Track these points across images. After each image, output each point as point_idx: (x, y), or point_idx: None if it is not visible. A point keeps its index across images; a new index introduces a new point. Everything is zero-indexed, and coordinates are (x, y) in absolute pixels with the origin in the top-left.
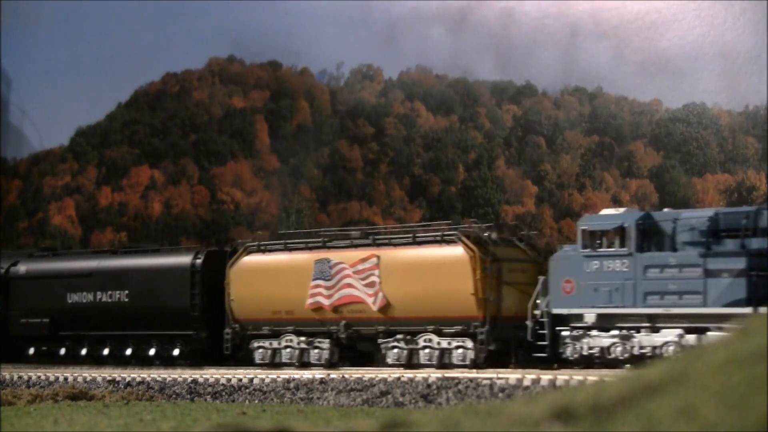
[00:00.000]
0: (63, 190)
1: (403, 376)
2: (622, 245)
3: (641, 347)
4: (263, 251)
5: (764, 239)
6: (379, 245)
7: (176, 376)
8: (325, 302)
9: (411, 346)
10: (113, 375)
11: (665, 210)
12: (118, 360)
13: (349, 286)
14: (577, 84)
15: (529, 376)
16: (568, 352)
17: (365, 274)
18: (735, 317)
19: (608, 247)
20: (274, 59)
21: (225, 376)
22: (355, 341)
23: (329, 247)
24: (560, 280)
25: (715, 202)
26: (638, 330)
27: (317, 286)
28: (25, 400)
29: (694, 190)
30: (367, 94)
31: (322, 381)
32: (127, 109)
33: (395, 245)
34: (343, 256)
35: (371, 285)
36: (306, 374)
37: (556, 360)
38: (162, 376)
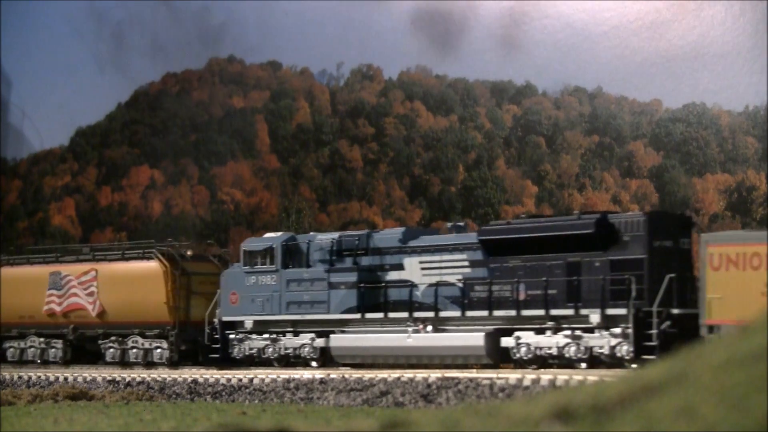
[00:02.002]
0: (63, 190)
1: (403, 376)
2: (272, 263)
3: (286, 348)
4: (12, 264)
5: (372, 257)
6: (97, 260)
7: (176, 376)
8: (57, 309)
9: (123, 346)
10: (113, 375)
11: (311, 233)
12: None
13: (75, 295)
14: (577, 84)
15: (529, 376)
16: (235, 352)
17: (87, 285)
18: (350, 321)
19: (262, 264)
20: (274, 59)
21: (225, 376)
22: (83, 342)
23: (61, 262)
24: (228, 293)
25: (716, 202)
26: (284, 334)
27: (51, 294)
28: (25, 400)
29: (694, 190)
30: (367, 94)
31: (322, 381)
32: (127, 109)
33: (109, 260)
34: (71, 270)
35: (91, 294)
36: (306, 374)
37: (227, 360)
38: (162, 376)
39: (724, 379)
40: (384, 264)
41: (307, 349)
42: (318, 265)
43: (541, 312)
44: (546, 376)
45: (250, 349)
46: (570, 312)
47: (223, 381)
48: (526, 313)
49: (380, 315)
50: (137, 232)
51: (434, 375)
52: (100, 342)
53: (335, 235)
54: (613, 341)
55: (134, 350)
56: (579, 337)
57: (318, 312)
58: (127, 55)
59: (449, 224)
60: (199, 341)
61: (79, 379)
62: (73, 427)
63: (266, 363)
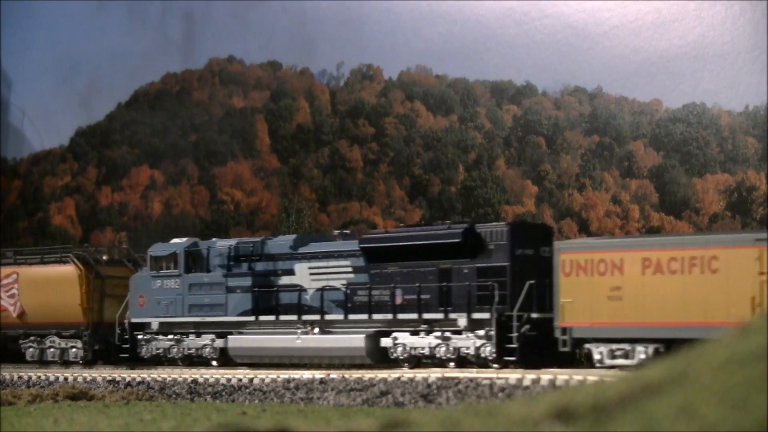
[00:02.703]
0: (63, 190)
1: (403, 376)
2: (175, 268)
3: (189, 348)
4: None
5: (266, 263)
6: (19, 264)
7: (176, 376)
8: None
9: (41, 346)
10: (113, 375)
11: (213, 240)
12: None
13: None
14: (577, 84)
15: (529, 375)
16: (143, 352)
17: (9, 287)
18: (246, 324)
19: (166, 269)
20: (274, 59)
21: (225, 376)
22: (5, 342)
23: None
24: (136, 296)
25: (716, 202)
26: (188, 335)
27: None
28: (25, 400)
29: (694, 190)
30: (367, 94)
31: (322, 381)
32: (127, 109)
33: (30, 264)
34: None
35: (12, 296)
36: (306, 374)
37: (136, 359)
38: (162, 376)
39: (724, 379)
40: (277, 269)
41: (207, 349)
42: (217, 270)
43: (415, 315)
44: (546, 376)
45: (157, 349)
46: (440, 316)
47: (223, 381)
48: (402, 316)
49: (272, 318)
50: (137, 232)
51: (434, 375)
52: (20, 342)
53: (233, 241)
54: (478, 343)
55: (51, 350)
56: (448, 339)
57: (217, 314)
58: (126, 56)
59: (337, 232)
60: (110, 341)
61: (79, 379)
62: (73, 427)
63: (172, 362)
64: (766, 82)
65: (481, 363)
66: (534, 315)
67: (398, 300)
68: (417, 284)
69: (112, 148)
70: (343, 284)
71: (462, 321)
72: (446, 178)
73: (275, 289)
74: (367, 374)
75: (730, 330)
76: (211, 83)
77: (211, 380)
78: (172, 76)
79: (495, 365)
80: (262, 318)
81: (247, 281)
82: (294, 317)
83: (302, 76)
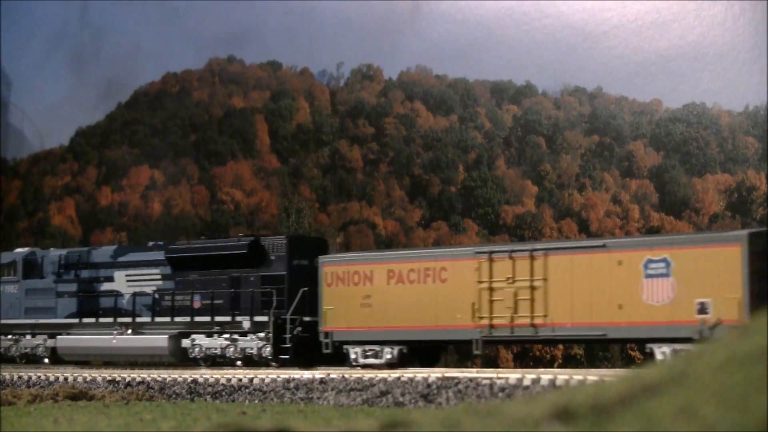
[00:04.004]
0: (63, 190)
1: (403, 375)
2: (15, 274)
3: (25, 347)
4: None
5: (90, 271)
6: None
7: (176, 376)
8: None
9: None
10: (113, 375)
11: (50, 249)
12: None
13: None
14: (577, 84)
15: (529, 375)
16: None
17: None
18: (72, 325)
19: (8, 275)
20: (274, 59)
21: (225, 376)
22: None
23: None
24: None
25: (716, 202)
26: (25, 335)
27: None
28: (25, 400)
29: (694, 190)
30: (367, 94)
31: (322, 381)
32: (127, 109)
33: None
34: None
35: None
36: (306, 374)
37: None
38: (162, 376)
39: (724, 379)
40: (99, 276)
41: (41, 348)
42: (49, 277)
43: (208, 318)
44: (546, 376)
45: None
46: (228, 319)
47: (223, 381)
48: (198, 319)
49: (93, 320)
50: (137, 232)
51: (434, 375)
52: None
53: (64, 251)
54: (260, 344)
55: None
56: (236, 340)
57: (48, 317)
58: (126, 56)
59: (151, 243)
60: None
61: (79, 379)
62: (73, 427)
63: (11, 360)
64: (766, 82)
65: (263, 362)
66: (306, 318)
67: (196, 304)
68: (211, 290)
69: (112, 148)
70: (153, 290)
71: (246, 323)
72: (446, 178)
73: (96, 294)
74: (367, 374)
75: (730, 330)
76: (211, 83)
77: (211, 380)
78: (172, 76)
79: (273, 364)
80: (85, 320)
81: (74, 287)
82: (111, 320)
83: (302, 76)
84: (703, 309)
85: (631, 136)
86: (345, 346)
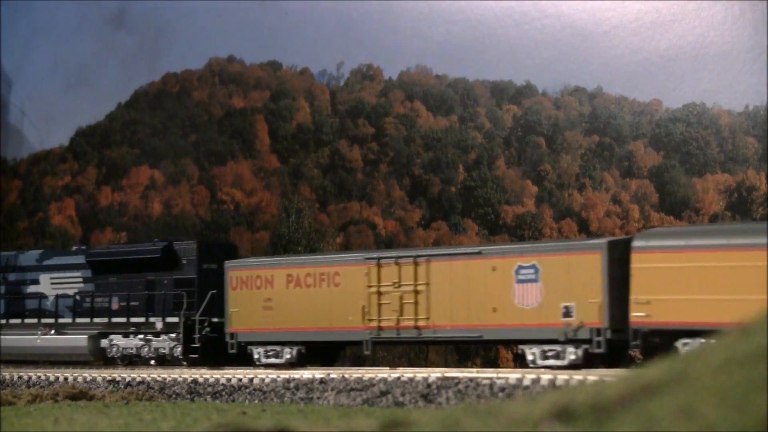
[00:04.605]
0: (63, 190)
1: (403, 375)
2: None
3: None
4: None
5: (18, 274)
6: None
7: (176, 376)
8: None
9: None
10: (113, 375)
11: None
12: None
13: None
14: (577, 84)
15: (529, 375)
16: None
17: None
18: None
19: None
20: (274, 59)
21: (225, 376)
22: None
23: None
24: None
25: (716, 202)
26: None
27: None
28: (25, 400)
29: (694, 190)
30: (367, 94)
31: (322, 381)
32: (127, 109)
33: None
34: None
35: None
36: (306, 374)
37: None
38: (162, 376)
39: (724, 379)
40: (26, 279)
41: None
42: None
43: (125, 320)
44: (546, 376)
45: None
46: (143, 320)
47: (223, 381)
48: (115, 320)
49: (19, 320)
50: (137, 232)
51: (434, 375)
52: None
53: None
54: (172, 344)
55: None
56: (150, 340)
57: None
58: (126, 56)
59: (75, 247)
60: None
61: (79, 379)
62: (73, 427)
63: None
64: (766, 82)
65: (175, 361)
66: (215, 320)
67: (114, 306)
68: (127, 293)
69: (112, 148)
70: (75, 292)
71: (159, 324)
72: (446, 178)
73: (22, 296)
74: (367, 374)
75: (730, 330)
76: (211, 83)
77: (211, 380)
78: (172, 76)
79: (184, 363)
80: (11, 321)
81: (1, 289)
82: (36, 320)
83: (302, 76)
84: (567, 312)
85: (631, 136)
86: (249, 347)
